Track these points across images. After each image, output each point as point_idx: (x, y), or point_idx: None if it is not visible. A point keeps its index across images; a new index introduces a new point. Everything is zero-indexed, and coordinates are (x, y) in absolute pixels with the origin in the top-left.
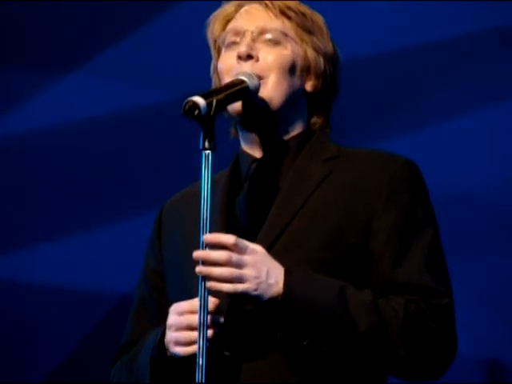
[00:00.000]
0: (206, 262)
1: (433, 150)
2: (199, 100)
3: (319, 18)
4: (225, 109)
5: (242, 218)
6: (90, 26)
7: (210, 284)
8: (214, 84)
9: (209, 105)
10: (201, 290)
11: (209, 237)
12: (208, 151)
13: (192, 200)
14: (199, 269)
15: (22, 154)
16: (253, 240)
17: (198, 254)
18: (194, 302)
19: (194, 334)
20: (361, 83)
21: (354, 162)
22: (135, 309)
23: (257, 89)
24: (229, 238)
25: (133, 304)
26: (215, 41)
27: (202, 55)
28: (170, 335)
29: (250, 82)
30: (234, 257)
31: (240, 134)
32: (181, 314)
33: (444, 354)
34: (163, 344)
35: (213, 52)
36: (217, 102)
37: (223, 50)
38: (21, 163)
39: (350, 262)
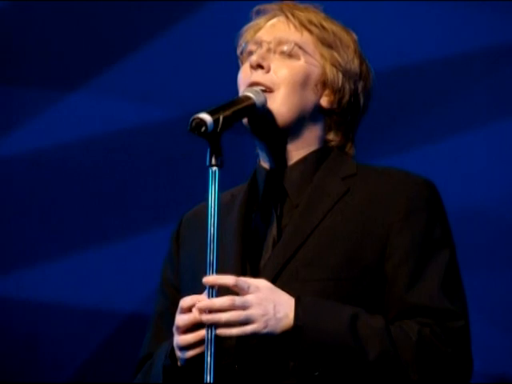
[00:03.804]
0: (211, 310)
1: (439, 165)
2: (206, 117)
3: (347, 35)
4: (232, 125)
5: (259, 233)
6: (94, 44)
7: (219, 331)
8: None
9: (215, 121)
10: (208, 334)
11: (209, 279)
12: (215, 168)
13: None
14: (206, 317)
15: (30, 171)
16: (267, 258)
17: (200, 305)
18: (197, 297)
19: (191, 336)
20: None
21: (372, 180)
22: (153, 322)
23: (264, 105)
24: (228, 280)
25: (151, 317)
26: (240, 50)
27: (209, 71)
28: (175, 339)
29: (257, 99)
30: (237, 300)
31: (257, 147)
32: (180, 312)
33: (458, 377)
34: (174, 354)
35: (240, 63)
36: (223, 118)
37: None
38: (30, 180)
39: (364, 282)
